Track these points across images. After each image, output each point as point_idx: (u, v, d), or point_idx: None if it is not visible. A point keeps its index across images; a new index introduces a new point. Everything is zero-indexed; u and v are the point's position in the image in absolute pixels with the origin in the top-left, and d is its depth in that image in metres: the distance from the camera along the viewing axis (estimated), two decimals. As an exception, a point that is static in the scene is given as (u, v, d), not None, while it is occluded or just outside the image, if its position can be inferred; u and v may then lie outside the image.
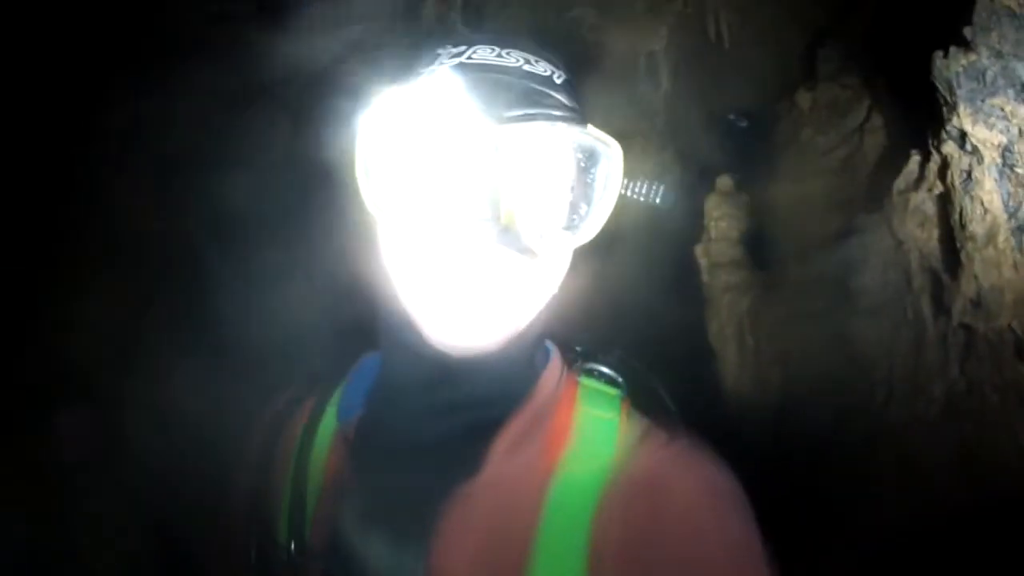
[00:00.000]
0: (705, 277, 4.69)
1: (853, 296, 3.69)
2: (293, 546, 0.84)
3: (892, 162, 3.59)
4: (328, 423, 0.92)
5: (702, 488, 0.74)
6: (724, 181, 4.73)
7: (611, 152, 0.77)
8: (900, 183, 3.40)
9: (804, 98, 4.39)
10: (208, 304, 3.67)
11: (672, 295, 4.78)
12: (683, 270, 4.81)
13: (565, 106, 0.76)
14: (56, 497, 3.25)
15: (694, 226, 4.77)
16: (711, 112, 5.07)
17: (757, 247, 4.57)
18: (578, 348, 0.93)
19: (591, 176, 0.77)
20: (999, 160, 2.73)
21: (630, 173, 0.81)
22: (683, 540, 0.71)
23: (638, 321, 4.40)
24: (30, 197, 3.45)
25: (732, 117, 5.01)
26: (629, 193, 0.86)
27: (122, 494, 3.38)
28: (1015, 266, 2.78)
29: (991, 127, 2.69)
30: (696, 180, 4.86)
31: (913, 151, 3.33)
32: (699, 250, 4.75)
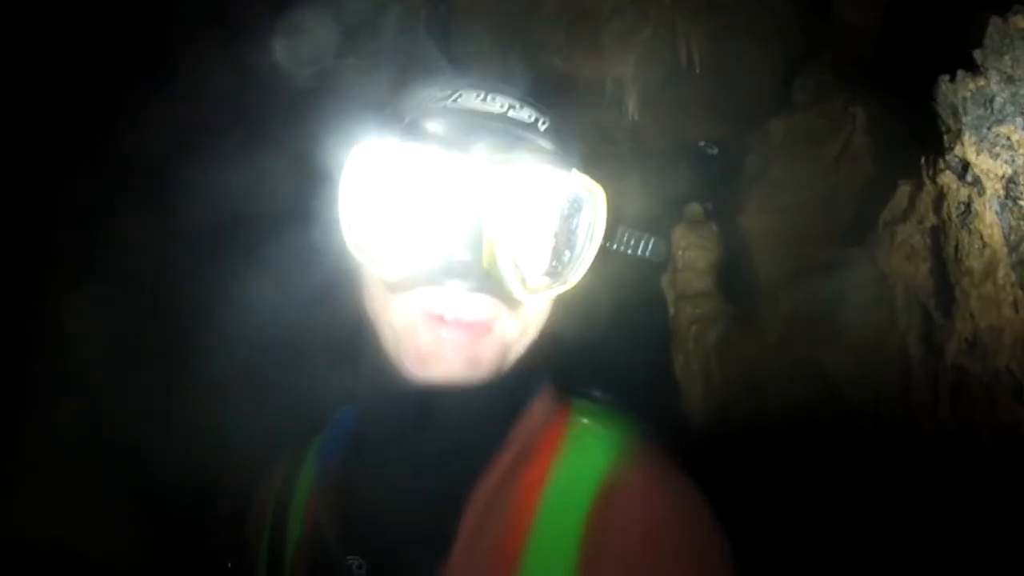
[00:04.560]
0: (671, 309, 4.49)
1: (832, 332, 3.54)
2: None
3: (874, 193, 3.48)
4: (307, 476, 0.90)
5: (686, 529, 0.74)
6: (692, 209, 4.57)
7: (595, 198, 0.76)
8: (886, 215, 3.28)
9: (777, 128, 4.29)
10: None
11: (636, 328, 4.56)
12: (648, 302, 4.60)
13: (547, 151, 0.77)
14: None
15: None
16: (680, 139, 4.94)
17: (727, 279, 4.40)
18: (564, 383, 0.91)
19: (574, 222, 0.78)
20: (1002, 192, 2.61)
21: (616, 222, 0.80)
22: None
23: (598, 353, 4.16)
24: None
25: (702, 144, 4.89)
26: (616, 246, 0.85)
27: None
28: (1015, 304, 2.65)
29: (995, 157, 2.57)
30: (663, 209, 4.68)
31: (901, 181, 3.22)
32: (665, 280, 4.55)
